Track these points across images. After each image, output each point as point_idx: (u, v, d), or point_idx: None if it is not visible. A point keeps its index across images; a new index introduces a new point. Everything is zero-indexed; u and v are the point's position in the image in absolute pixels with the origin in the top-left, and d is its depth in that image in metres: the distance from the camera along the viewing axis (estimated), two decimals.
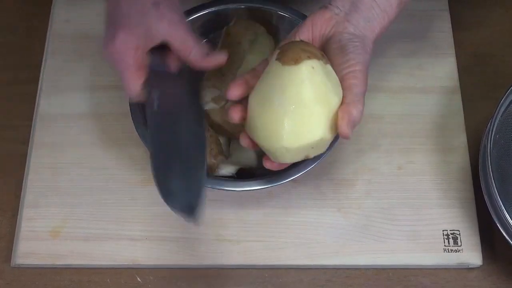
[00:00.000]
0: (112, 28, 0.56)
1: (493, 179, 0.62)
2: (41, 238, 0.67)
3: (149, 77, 0.58)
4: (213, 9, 0.72)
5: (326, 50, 0.58)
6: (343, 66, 0.57)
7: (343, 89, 0.56)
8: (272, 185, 0.63)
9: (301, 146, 0.54)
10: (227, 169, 0.67)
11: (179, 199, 0.56)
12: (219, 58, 0.60)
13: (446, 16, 0.79)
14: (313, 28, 0.60)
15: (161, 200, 0.68)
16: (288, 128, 0.53)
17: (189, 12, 0.71)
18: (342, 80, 0.56)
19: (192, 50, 0.58)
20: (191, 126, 0.59)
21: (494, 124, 0.64)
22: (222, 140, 0.69)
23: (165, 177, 0.56)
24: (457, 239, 0.67)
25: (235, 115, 0.57)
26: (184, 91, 0.61)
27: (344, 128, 0.55)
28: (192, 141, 0.58)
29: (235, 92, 0.57)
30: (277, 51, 0.55)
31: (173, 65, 0.60)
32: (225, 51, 0.61)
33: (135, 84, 0.57)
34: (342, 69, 0.57)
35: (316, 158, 0.63)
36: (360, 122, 0.57)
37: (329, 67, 0.56)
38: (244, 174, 0.68)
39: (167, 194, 0.56)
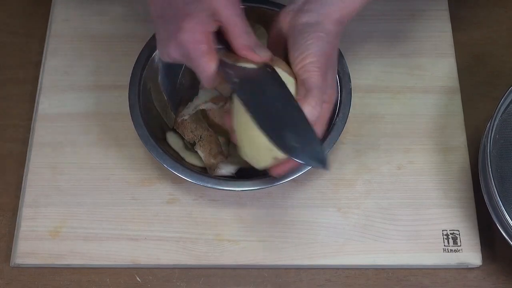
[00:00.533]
0: (172, 23, 0.55)
1: (493, 179, 0.62)
2: (41, 238, 0.67)
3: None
4: None
5: (287, 48, 0.58)
6: (296, 62, 0.56)
7: (298, 86, 0.55)
8: (272, 185, 0.63)
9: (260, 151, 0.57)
10: (227, 169, 0.67)
11: (306, 153, 0.53)
12: (265, 56, 0.56)
13: (446, 16, 0.79)
14: (276, 31, 0.60)
15: (161, 199, 0.69)
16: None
17: None
18: (297, 77, 0.56)
19: (243, 35, 0.55)
20: (280, 91, 0.56)
21: (493, 124, 0.64)
22: (221, 140, 0.69)
23: (284, 136, 0.53)
24: (457, 239, 0.67)
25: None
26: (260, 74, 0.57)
27: None
28: (289, 104, 0.55)
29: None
30: None
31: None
32: (269, 51, 0.57)
33: (212, 67, 0.55)
34: (295, 65, 0.56)
35: None
36: (325, 116, 0.56)
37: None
38: (244, 174, 0.68)
39: (292, 150, 0.53)
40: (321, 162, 0.53)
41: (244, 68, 0.56)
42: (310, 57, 0.56)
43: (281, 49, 0.60)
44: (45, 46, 0.77)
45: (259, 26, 0.72)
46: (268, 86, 0.56)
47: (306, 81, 0.55)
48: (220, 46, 0.56)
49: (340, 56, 0.68)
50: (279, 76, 0.56)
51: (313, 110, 0.55)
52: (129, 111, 0.66)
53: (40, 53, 0.77)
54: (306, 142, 0.53)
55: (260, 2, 0.71)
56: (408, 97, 0.74)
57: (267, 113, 0.54)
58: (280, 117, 0.54)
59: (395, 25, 0.78)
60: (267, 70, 0.57)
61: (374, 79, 0.75)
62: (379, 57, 0.76)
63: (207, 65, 0.55)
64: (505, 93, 0.65)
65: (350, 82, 0.67)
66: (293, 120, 0.54)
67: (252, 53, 0.55)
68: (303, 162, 0.53)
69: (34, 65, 0.77)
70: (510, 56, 0.78)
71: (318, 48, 0.56)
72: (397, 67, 0.76)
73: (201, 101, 0.67)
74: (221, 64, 0.56)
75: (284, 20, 0.59)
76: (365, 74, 0.75)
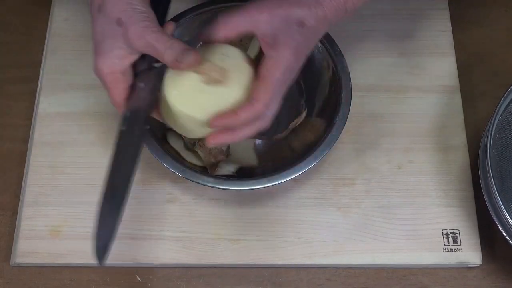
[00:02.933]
0: (94, 54, 0.59)
1: (493, 178, 0.62)
2: (41, 237, 0.67)
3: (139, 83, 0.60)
4: (211, 7, 0.72)
5: None
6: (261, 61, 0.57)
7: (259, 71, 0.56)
8: (272, 184, 0.63)
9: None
10: (227, 168, 0.67)
11: (97, 238, 0.57)
12: (190, 60, 0.57)
13: (446, 15, 0.79)
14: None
15: (161, 199, 0.69)
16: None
17: (186, 12, 0.71)
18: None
19: (163, 55, 0.56)
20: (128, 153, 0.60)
21: (494, 123, 0.64)
22: None
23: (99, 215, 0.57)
24: (457, 238, 0.67)
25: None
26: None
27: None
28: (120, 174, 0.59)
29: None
30: None
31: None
32: (196, 51, 0.58)
33: (118, 102, 0.59)
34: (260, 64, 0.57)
35: (317, 157, 0.64)
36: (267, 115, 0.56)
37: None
38: (244, 174, 0.68)
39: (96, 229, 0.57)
40: (98, 257, 0.57)
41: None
42: (270, 51, 0.56)
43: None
44: (45, 45, 0.77)
45: None
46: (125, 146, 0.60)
47: (261, 77, 0.56)
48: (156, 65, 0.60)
49: (340, 55, 0.68)
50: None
51: (260, 106, 0.55)
52: None
53: (40, 52, 0.77)
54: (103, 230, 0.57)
55: None
56: (408, 97, 0.74)
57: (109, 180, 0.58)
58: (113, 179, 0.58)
59: (395, 24, 0.78)
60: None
61: (374, 78, 0.75)
62: (379, 57, 0.76)
63: (113, 99, 0.59)
64: (505, 92, 0.65)
65: (350, 81, 0.67)
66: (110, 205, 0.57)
67: (178, 64, 0.56)
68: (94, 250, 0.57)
69: (34, 65, 0.77)
70: (510, 55, 0.78)
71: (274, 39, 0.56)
72: (397, 66, 0.76)
73: None
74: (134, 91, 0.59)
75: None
76: (365, 73, 0.75)
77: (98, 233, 0.57)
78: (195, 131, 0.59)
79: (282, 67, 0.56)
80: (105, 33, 0.58)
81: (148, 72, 0.60)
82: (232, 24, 0.56)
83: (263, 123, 0.57)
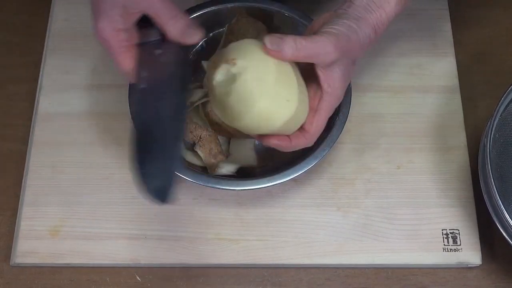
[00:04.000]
0: (93, 17, 0.57)
1: (493, 178, 0.62)
2: (41, 237, 0.67)
3: (140, 54, 0.57)
4: (213, 8, 0.72)
5: None
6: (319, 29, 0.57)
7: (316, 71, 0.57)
8: (272, 184, 0.63)
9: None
10: (227, 168, 0.67)
11: (152, 181, 0.54)
12: (195, 36, 0.57)
13: (446, 15, 0.79)
14: (313, 28, 0.60)
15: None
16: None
17: (189, 11, 0.71)
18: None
19: (169, 21, 0.56)
20: (172, 108, 0.57)
21: (493, 123, 0.64)
22: (221, 139, 0.69)
23: (141, 158, 0.54)
24: (457, 238, 0.67)
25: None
26: (172, 72, 0.59)
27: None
28: (171, 123, 0.56)
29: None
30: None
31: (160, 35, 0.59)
32: (202, 29, 0.58)
33: (125, 66, 0.57)
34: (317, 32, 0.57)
35: (317, 157, 0.64)
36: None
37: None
38: (244, 174, 0.68)
39: (142, 176, 0.54)
40: (161, 196, 0.54)
41: (160, 63, 0.58)
42: (332, 32, 0.56)
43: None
44: (45, 45, 0.77)
45: (261, 24, 0.72)
46: (166, 96, 0.57)
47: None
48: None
49: None
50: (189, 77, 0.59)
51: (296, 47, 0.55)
52: (128, 110, 0.66)
53: (40, 52, 0.77)
54: (159, 171, 0.54)
55: (261, 1, 0.72)
56: (408, 97, 0.74)
57: (146, 131, 0.56)
58: (158, 128, 0.56)
59: (395, 24, 0.77)
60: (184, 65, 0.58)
61: (374, 78, 0.75)
62: (379, 57, 0.76)
63: (119, 63, 0.57)
64: (505, 92, 0.65)
65: (350, 81, 0.67)
66: (165, 141, 0.55)
67: (184, 38, 0.56)
68: (145, 193, 0.54)
69: (34, 65, 0.77)
70: (510, 55, 0.78)
71: (345, 27, 0.57)
72: (397, 66, 0.76)
73: (196, 99, 0.68)
74: (141, 54, 0.57)
75: (330, 16, 0.59)
76: (365, 73, 0.75)
77: (149, 173, 0.54)
78: (252, 125, 0.56)
79: (335, 102, 0.59)
80: None
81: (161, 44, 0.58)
82: (304, 49, 0.55)
83: (309, 144, 0.61)
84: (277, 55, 0.55)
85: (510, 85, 0.66)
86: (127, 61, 0.57)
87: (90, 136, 0.72)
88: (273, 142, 0.59)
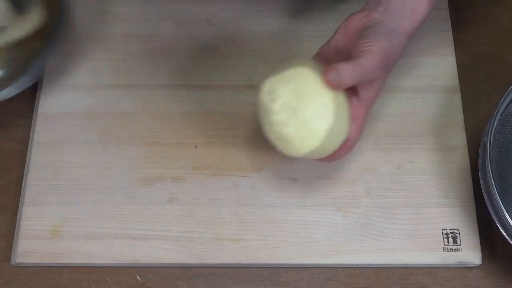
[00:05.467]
0: None
1: (493, 178, 0.62)
2: (41, 237, 0.67)
3: None
4: None
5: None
6: (358, 44, 0.58)
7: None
8: None
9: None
10: None
11: None
12: None
13: (446, 15, 0.79)
14: (348, 27, 0.61)
15: (161, 198, 0.69)
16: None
17: None
18: (353, 57, 0.58)
19: None
20: None
21: (493, 123, 0.64)
22: None
23: None
24: (457, 238, 0.67)
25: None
26: None
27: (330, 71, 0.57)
28: None
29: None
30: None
31: None
32: None
33: None
34: (356, 48, 0.58)
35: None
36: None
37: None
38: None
39: None
40: None
41: None
42: (374, 45, 0.58)
43: (349, 38, 0.61)
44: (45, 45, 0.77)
45: None
46: None
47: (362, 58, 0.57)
48: None
49: None
50: None
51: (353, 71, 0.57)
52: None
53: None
54: None
55: None
56: (408, 97, 0.74)
57: None
58: None
59: None
60: None
61: None
62: None
63: None
64: (505, 92, 0.66)
65: None
66: None
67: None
68: None
69: None
70: (510, 55, 0.78)
71: (385, 45, 0.58)
72: (397, 66, 0.75)
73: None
74: None
75: (362, 19, 0.61)
76: None
77: None
78: (309, 155, 0.60)
79: (370, 107, 0.62)
80: None
81: None
82: (356, 74, 0.57)
83: (350, 152, 0.63)
84: (338, 87, 0.57)
85: (510, 85, 0.66)
86: None
87: (90, 136, 0.72)
88: (328, 160, 0.63)
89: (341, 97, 0.59)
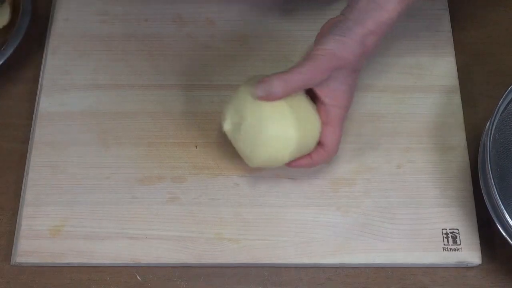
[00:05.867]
0: None
1: (492, 178, 0.62)
2: (41, 237, 0.67)
3: None
4: None
5: None
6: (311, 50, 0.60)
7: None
8: None
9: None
10: None
11: None
12: None
13: (446, 15, 0.79)
14: (321, 33, 0.63)
15: (161, 198, 0.69)
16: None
17: None
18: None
19: None
20: None
21: (493, 123, 0.64)
22: None
23: None
24: (456, 238, 0.67)
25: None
26: None
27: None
28: None
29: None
30: None
31: None
32: None
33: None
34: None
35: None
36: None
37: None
38: None
39: None
40: None
41: None
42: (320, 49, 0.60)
43: None
44: (46, 45, 0.77)
45: None
46: None
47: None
48: None
49: None
50: None
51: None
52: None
53: (40, 52, 0.77)
54: None
55: None
56: (408, 96, 0.74)
57: None
58: None
59: (395, 24, 0.78)
60: None
61: (373, 78, 0.75)
62: (378, 56, 0.76)
63: None
64: (505, 92, 0.66)
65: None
66: None
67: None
68: None
69: (34, 65, 0.77)
70: (510, 55, 0.78)
71: (333, 45, 0.60)
72: (397, 66, 0.76)
73: None
74: None
75: (324, 29, 0.63)
76: (364, 73, 0.75)
77: None
78: (266, 164, 0.64)
79: (341, 111, 0.62)
80: None
81: None
82: (292, 83, 0.59)
83: (331, 157, 0.65)
84: (269, 99, 0.60)
85: (510, 85, 0.66)
86: None
87: (90, 136, 0.72)
88: (295, 165, 0.64)
89: (288, 107, 0.61)
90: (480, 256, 0.67)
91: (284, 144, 0.62)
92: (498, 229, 0.63)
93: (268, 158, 0.63)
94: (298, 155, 0.64)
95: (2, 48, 0.73)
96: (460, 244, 0.67)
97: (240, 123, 0.62)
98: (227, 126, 0.64)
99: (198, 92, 0.74)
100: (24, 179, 0.70)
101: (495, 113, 0.64)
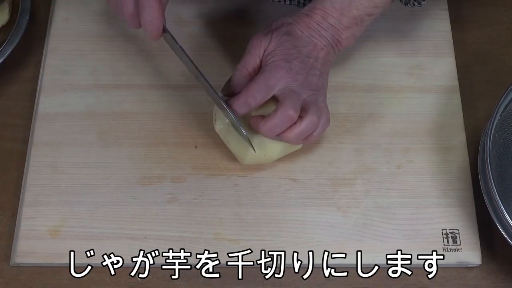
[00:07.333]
0: None
1: (492, 178, 0.62)
2: (41, 237, 0.67)
3: None
4: None
5: None
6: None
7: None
8: None
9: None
10: None
11: None
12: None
13: (446, 15, 0.79)
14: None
15: (161, 199, 0.69)
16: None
17: None
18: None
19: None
20: None
21: (493, 123, 0.64)
22: None
23: None
24: (456, 238, 0.67)
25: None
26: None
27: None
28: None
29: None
30: None
31: None
32: None
33: (159, 19, 0.60)
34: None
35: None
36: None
37: None
38: None
39: None
40: None
41: None
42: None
43: None
44: (45, 45, 0.77)
45: None
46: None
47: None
48: None
49: None
50: None
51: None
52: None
53: (40, 52, 0.77)
54: None
55: None
56: (408, 97, 0.74)
57: None
58: None
59: (395, 24, 0.78)
60: None
61: (373, 78, 0.75)
62: (378, 57, 0.76)
63: (154, 15, 0.60)
64: (505, 92, 0.66)
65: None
66: None
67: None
68: None
69: (34, 65, 0.77)
70: (510, 55, 0.78)
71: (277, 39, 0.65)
72: (397, 66, 0.76)
73: None
74: None
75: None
76: (364, 73, 0.75)
77: None
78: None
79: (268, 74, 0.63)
80: None
81: None
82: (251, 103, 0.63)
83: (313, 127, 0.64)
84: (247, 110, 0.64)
85: (510, 85, 0.66)
86: (161, 14, 0.60)
87: (90, 136, 0.72)
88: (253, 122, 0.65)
89: (274, 105, 0.63)
90: (480, 256, 0.67)
91: (273, 141, 0.65)
92: (498, 229, 0.63)
93: (258, 156, 0.66)
94: (289, 149, 0.67)
95: (1, 48, 0.73)
96: (460, 245, 0.67)
97: (228, 123, 0.66)
98: (218, 127, 0.67)
99: (198, 92, 0.74)
100: (23, 179, 0.70)
101: (495, 113, 0.64)
